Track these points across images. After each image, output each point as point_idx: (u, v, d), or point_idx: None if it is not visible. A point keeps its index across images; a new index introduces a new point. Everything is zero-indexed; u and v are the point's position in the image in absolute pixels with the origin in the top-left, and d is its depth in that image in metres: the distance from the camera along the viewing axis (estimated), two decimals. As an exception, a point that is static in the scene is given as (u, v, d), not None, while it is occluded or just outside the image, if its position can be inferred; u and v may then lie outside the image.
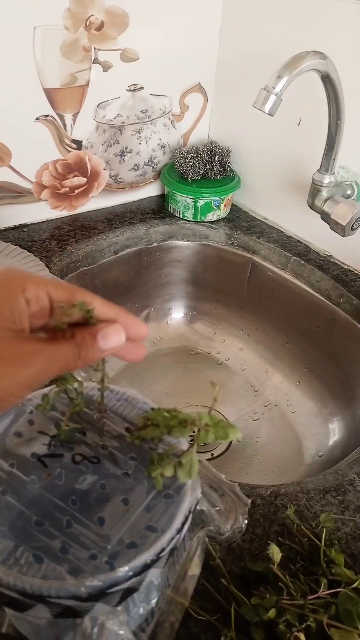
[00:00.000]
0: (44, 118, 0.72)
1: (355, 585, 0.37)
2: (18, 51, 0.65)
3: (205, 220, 0.84)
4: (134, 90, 0.77)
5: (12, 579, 0.25)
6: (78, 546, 0.27)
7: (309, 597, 0.36)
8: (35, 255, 0.68)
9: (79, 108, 0.74)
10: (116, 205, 0.86)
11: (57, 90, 0.71)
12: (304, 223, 0.79)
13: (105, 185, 0.83)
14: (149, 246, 0.83)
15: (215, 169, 0.82)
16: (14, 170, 0.73)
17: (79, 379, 0.32)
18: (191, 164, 0.81)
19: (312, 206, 0.70)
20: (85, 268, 0.77)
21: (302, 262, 0.76)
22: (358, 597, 0.36)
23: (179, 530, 0.28)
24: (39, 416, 0.33)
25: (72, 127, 0.75)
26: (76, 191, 0.81)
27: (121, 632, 0.27)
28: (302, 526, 0.42)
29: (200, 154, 0.82)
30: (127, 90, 0.77)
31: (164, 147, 0.86)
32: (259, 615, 0.35)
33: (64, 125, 0.74)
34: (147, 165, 0.85)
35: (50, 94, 0.70)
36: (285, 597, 0.35)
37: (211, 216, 0.84)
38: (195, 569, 0.35)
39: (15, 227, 0.78)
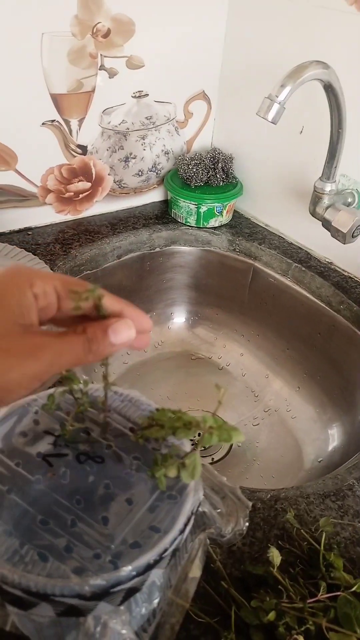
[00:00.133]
0: (50, 123, 0.72)
1: (354, 589, 0.37)
2: (26, 57, 0.66)
3: (208, 226, 0.85)
4: (139, 97, 0.78)
5: (17, 577, 0.25)
6: (82, 545, 0.27)
7: (309, 601, 0.36)
8: (39, 259, 0.68)
9: (85, 114, 0.75)
10: (120, 210, 0.87)
11: (64, 96, 0.71)
12: (305, 230, 0.80)
13: (110, 190, 0.84)
14: (152, 251, 0.84)
15: (218, 176, 0.83)
16: (19, 174, 0.74)
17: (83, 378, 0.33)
18: (194, 170, 0.82)
19: (313, 213, 0.71)
20: (88, 272, 0.77)
21: (303, 268, 0.77)
22: (357, 601, 0.36)
23: (182, 531, 0.28)
24: (44, 416, 0.33)
25: (77, 133, 0.76)
26: (80, 196, 0.81)
27: (123, 631, 0.27)
28: (302, 530, 0.43)
29: (204, 161, 0.83)
30: (132, 96, 0.78)
31: (167, 153, 0.86)
32: (259, 618, 0.35)
33: (70, 131, 0.75)
34: (151, 171, 0.86)
35: (56, 99, 0.71)
36: (285, 600, 0.36)
37: (214, 222, 0.84)
38: (196, 571, 0.35)
39: (19, 231, 0.79)
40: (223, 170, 0.83)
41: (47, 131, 0.73)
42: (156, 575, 0.28)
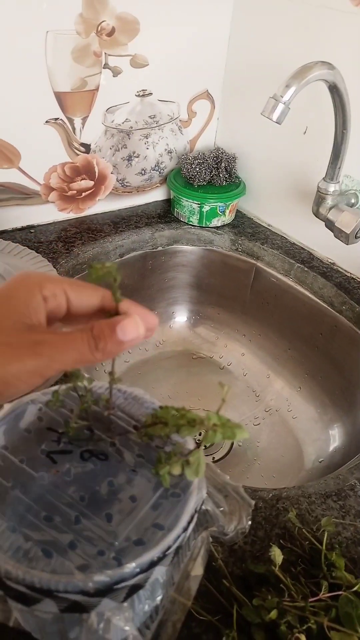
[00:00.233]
0: (53, 121, 0.72)
1: (355, 588, 0.37)
2: (30, 55, 0.66)
3: (210, 225, 0.85)
4: (143, 95, 0.78)
5: (22, 572, 0.25)
6: (86, 542, 0.27)
7: (310, 600, 0.36)
8: (42, 257, 0.68)
9: (89, 112, 0.75)
10: (122, 208, 0.87)
11: (67, 94, 0.71)
12: (308, 230, 0.80)
13: (112, 189, 0.84)
14: (154, 250, 0.84)
15: (221, 175, 0.83)
16: (22, 172, 0.74)
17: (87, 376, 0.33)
18: (197, 169, 0.82)
19: (316, 214, 0.71)
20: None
21: (306, 269, 0.77)
22: (358, 600, 0.36)
23: (185, 529, 0.28)
24: (48, 413, 0.33)
25: (81, 131, 0.76)
26: (83, 194, 0.81)
27: (127, 628, 0.27)
28: (304, 529, 0.43)
29: (207, 160, 0.83)
30: (136, 95, 0.78)
31: (170, 152, 0.86)
32: (261, 616, 0.35)
33: (73, 129, 0.75)
34: (153, 170, 0.86)
35: (60, 97, 0.71)
36: (287, 599, 0.36)
37: (216, 222, 0.84)
38: (198, 569, 0.35)
39: (22, 228, 0.79)
40: (226, 169, 0.83)
41: (50, 129, 0.73)
42: (159, 573, 0.28)
